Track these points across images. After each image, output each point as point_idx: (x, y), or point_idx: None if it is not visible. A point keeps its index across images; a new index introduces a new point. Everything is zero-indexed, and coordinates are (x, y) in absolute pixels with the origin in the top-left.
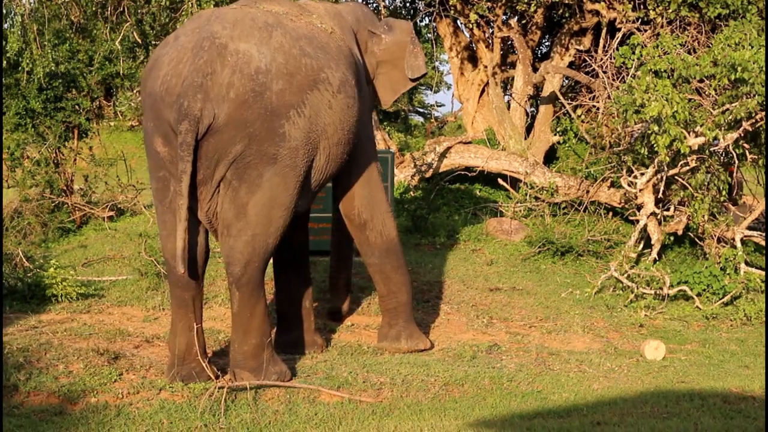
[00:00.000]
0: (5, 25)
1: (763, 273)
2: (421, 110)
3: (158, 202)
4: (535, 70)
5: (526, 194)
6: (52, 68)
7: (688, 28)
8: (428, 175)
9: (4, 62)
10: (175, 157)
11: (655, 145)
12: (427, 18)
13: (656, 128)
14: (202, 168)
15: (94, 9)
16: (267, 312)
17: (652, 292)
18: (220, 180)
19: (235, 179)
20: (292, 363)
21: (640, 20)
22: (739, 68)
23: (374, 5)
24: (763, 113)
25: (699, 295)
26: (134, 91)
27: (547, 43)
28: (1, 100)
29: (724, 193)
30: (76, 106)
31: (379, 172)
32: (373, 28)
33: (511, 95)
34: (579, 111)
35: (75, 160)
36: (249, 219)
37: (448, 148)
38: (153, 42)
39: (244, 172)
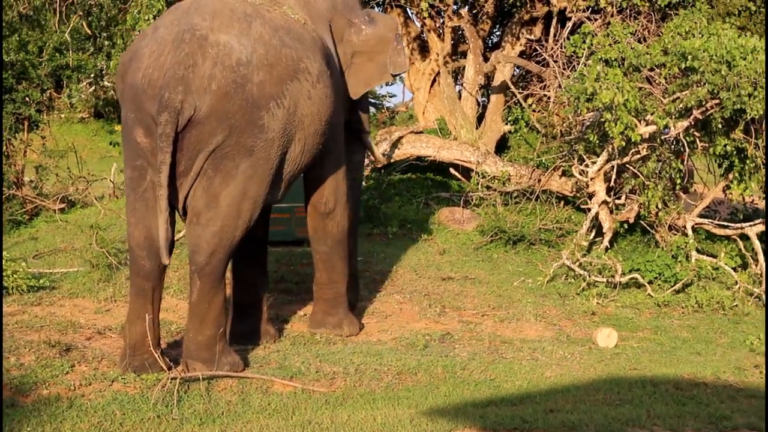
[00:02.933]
0: None
1: (714, 260)
2: (373, 100)
3: (131, 190)
4: (486, 59)
5: (477, 183)
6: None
7: (639, 16)
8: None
9: None
10: (155, 148)
11: (609, 132)
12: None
13: (609, 116)
14: (183, 159)
15: (43, 0)
16: (225, 304)
17: (604, 280)
18: (200, 170)
19: (210, 169)
20: (245, 353)
21: (590, 9)
22: (690, 57)
23: None
24: (714, 102)
25: (651, 282)
26: (84, 83)
27: (497, 33)
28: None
29: (678, 181)
30: (27, 98)
31: (360, 162)
32: (352, 16)
33: (462, 85)
34: (530, 100)
35: (25, 152)
36: (219, 209)
37: (400, 137)
38: (102, 34)
39: (220, 162)
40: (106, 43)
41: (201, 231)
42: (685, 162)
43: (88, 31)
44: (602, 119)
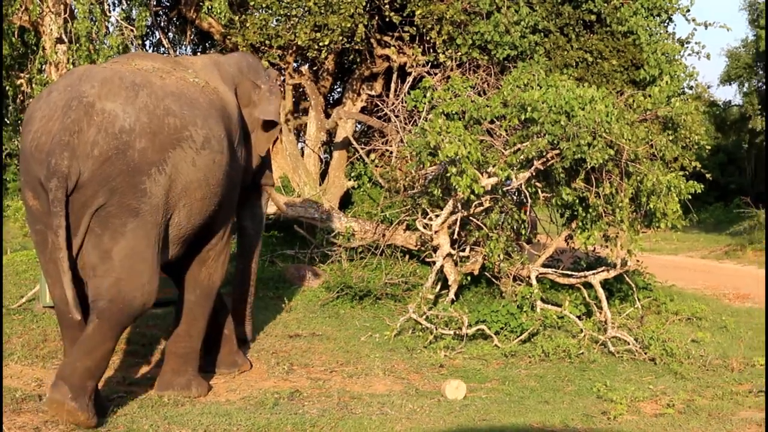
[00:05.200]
0: None
1: (559, 309)
2: None
3: (40, 253)
4: (327, 116)
5: (322, 240)
6: None
7: (478, 70)
8: None
9: None
10: (46, 210)
11: (456, 186)
12: None
13: (454, 169)
14: (72, 220)
15: None
16: (110, 355)
17: (451, 332)
18: (86, 230)
19: (98, 227)
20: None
21: (430, 64)
22: (529, 108)
23: (164, 52)
24: (555, 152)
25: (497, 333)
26: None
27: (338, 89)
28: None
29: (522, 231)
30: None
31: (263, 216)
32: (257, 79)
33: (304, 142)
34: (373, 155)
35: None
36: (113, 263)
37: None
38: None
39: (107, 220)
40: None
41: (99, 282)
42: (528, 213)
43: None
44: (447, 173)
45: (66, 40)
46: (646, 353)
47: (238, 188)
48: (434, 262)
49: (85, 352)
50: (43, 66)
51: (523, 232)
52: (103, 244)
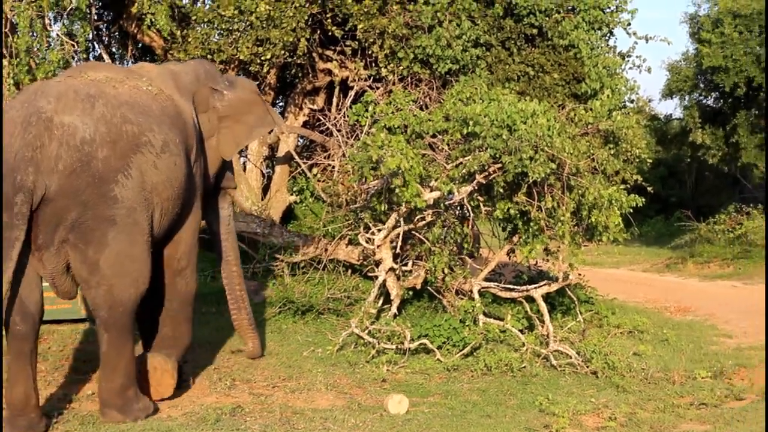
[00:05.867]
0: None
1: (501, 323)
2: None
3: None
4: (269, 130)
5: (264, 255)
6: None
7: (420, 84)
8: None
9: None
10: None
11: (402, 198)
12: None
13: (398, 182)
14: (41, 234)
15: None
16: (133, 353)
17: (394, 346)
18: (62, 242)
19: (80, 242)
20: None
21: (372, 78)
22: (471, 122)
23: None
24: (497, 166)
25: (440, 347)
26: None
27: (281, 104)
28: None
29: (465, 245)
30: None
31: (230, 216)
32: (215, 84)
33: (246, 156)
34: (315, 170)
35: None
36: (103, 273)
37: None
38: None
39: (87, 234)
40: None
41: (94, 293)
42: (471, 227)
43: None
44: (391, 186)
45: (6, 54)
46: (588, 367)
47: (200, 192)
48: (377, 277)
49: (111, 370)
50: None
51: (466, 246)
52: (89, 257)
